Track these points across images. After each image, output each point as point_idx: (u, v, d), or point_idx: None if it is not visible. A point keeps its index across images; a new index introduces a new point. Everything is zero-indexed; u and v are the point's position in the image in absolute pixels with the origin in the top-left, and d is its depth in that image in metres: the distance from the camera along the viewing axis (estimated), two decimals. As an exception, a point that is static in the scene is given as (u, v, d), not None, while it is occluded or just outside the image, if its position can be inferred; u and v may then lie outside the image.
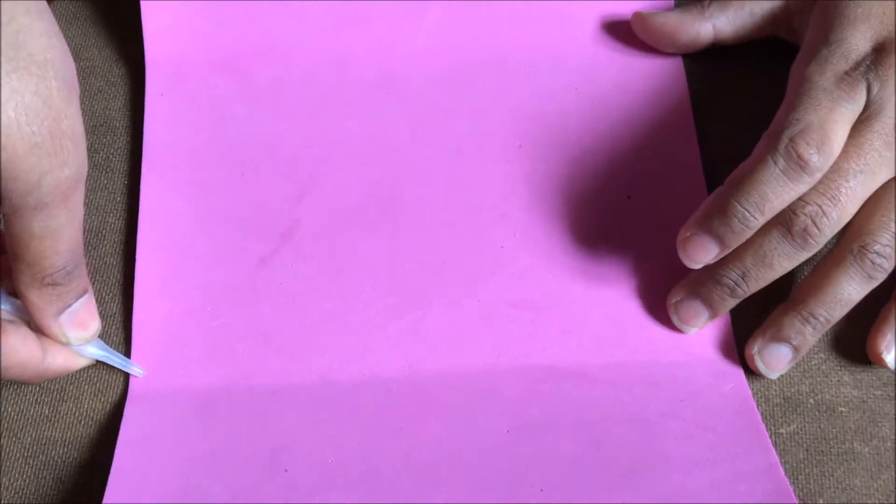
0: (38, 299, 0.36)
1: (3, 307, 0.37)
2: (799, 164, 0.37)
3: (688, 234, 0.39)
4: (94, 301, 0.38)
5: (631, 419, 0.39)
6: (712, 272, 0.40)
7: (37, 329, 0.38)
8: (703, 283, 0.41)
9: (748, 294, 0.41)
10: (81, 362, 0.40)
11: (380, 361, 0.42)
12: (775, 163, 0.37)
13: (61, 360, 0.38)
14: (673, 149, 0.46)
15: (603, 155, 0.46)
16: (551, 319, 0.42)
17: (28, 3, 0.32)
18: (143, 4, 0.48)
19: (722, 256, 0.39)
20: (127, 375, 0.41)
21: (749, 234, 0.38)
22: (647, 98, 0.48)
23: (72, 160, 0.32)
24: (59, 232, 0.34)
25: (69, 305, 0.37)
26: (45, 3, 0.33)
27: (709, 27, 0.47)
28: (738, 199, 0.38)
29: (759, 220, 0.38)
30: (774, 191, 0.37)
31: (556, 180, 0.46)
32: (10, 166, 0.31)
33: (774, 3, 0.47)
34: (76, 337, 0.38)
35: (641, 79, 0.48)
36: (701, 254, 0.39)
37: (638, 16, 0.49)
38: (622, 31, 0.50)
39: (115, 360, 0.41)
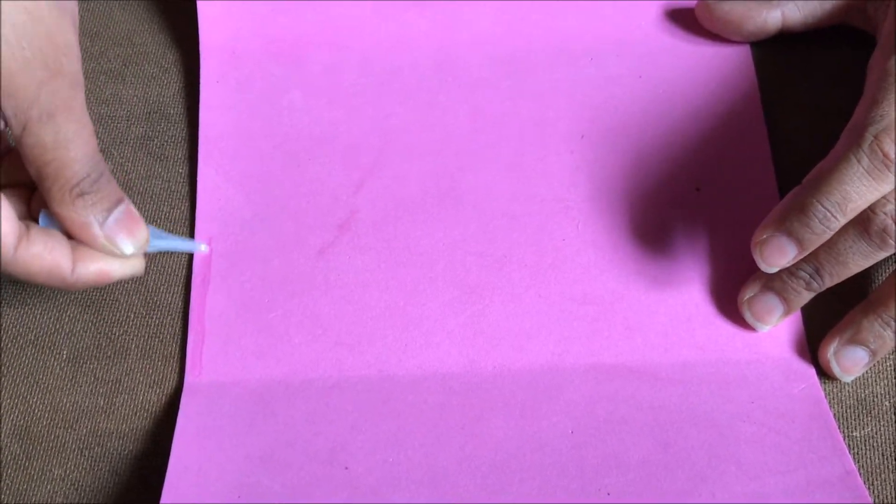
0: (72, 213, 0.36)
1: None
2: (884, 163, 0.36)
3: (764, 235, 0.38)
4: (133, 207, 0.38)
5: (700, 421, 0.38)
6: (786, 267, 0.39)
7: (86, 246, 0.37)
8: (777, 277, 0.39)
9: (823, 289, 0.39)
10: (116, 273, 0.38)
11: (440, 356, 0.41)
12: (859, 161, 0.36)
13: (94, 270, 0.37)
14: (741, 139, 0.45)
15: (669, 145, 0.45)
16: (615, 316, 0.41)
17: None
18: (199, 4, 0.47)
19: (799, 259, 0.38)
20: (182, 367, 0.41)
21: (829, 235, 0.37)
22: (714, 86, 0.46)
23: (66, 71, 0.33)
24: (70, 141, 0.34)
25: (107, 216, 0.36)
26: None
27: (777, 15, 0.46)
28: (819, 199, 0.36)
29: (840, 221, 0.36)
30: (857, 190, 0.36)
31: (620, 170, 0.44)
32: (7, 82, 0.32)
33: None
34: (128, 245, 0.37)
35: (707, 67, 0.47)
36: (778, 256, 0.38)
37: (703, 4, 0.47)
38: (687, 18, 0.48)
39: (178, 244, 0.41)
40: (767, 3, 0.46)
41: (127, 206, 0.37)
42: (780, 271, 0.39)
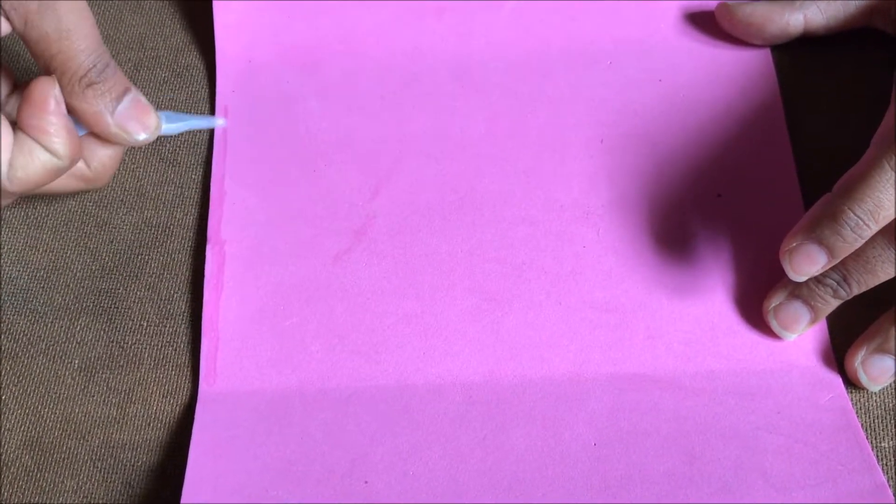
0: (83, 103, 0.36)
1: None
2: None
3: (794, 244, 0.37)
4: (141, 96, 0.38)
5: (725, 432, 0.37)
6: None
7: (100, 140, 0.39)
8: (804, 285, 0.39)
9: (850, 296, 0.38)
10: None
11: (459, 365, 0.40)
12: (892, 168, 0.35)
13: (105, 155, 0.39)
14: (763, 143, 0.44)
15: (690, 150, 0.44)
16: (637, 324, 0.40)
17: None
18: (215, 9, 0.47)
19: (828, 268, 0.37)
20: (195, 377, 0.40)
21: (860, 243, 0.36)
22: (735, 90, 0.46)
23: None
24: (73, 31, 0.35)
25: (116, 104, 0.37)
26: None
27: (799, 18, 0.45)
28: (851, 207, 0.36)
29: (871, 230, 0.36)
30: (890, 198, 0.35)
31: (640, 176, 0.44)
32: None
33: None
34: (139, 132, 0.38)
35: (728, 70, 0.46)
36: (807, 264, 0.37)
37: (723, 6, 0.46)
38: (707, 21, 0.48)
39: (195, 122, 0.41)
40: (789, 6, 0.45)
41: (134, 95, 0.38)
42: (808, 279, 0.38)
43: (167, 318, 0.42)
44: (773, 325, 0.39)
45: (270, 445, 0.38)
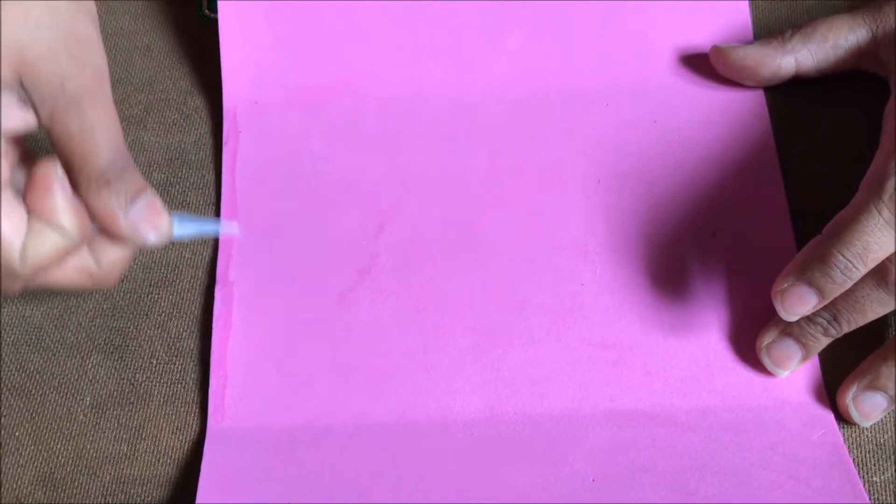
0: (98, 201, 0.36)
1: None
2: None
3: (785, 284, 0.38)
4: (157, 198, 0.37)
5: (721, 468, 0.38)
6: None
7: (110, 237, 0.37)
8: (795, 323, 0.40)
9: (840, 335, 0.39)
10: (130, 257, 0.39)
11: (460, 402, 0.41)
12: (879, 212, 0.36)
13: (114, 257, 0.38)
14: (757, 183, 0.45)
15: (685, 190, 0.45)
16: (635, 361, 0.41)
17: None
18: (222, 42, 0.48)
19: (819, 308, 0.38)
20: (204, 413, 0.41)
21: (850, 285, 0.37)
22: (729, 131, 0.47)
23: (89, 61, 0.35)
24: (96, 129, 0.35)
25: (130, 205, 0.36)
26: None
27: (790, 61, 0.46)
28: (840, 250, 0.37)
29: (860, 272, 0.37)
30: (878, 241, 0.36)
31: (636, 215, 0.45)
32: (31, 71, 0.33)
33: (860, 35, 0.45)
34: (150, 234, 0.37)
35: (722, 111, 0.47)
36: (798, 305, 0.38)
37: (717, 50, 0.48)
38: (701, 63, 0.49)
39: (207, 227, 0.40)
40: (781, 49, 0.46)
41: (150, 196, 0.37)
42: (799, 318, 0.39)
43: (176, 356, 0.43)
44: (766, 362, 0.40)
45: (277, 481, 0.39)
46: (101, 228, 0.37)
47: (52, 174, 0.35)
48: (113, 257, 0.38)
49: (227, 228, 0.43)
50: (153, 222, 0.37)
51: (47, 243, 0.35)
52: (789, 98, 0.48)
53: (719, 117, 0.47)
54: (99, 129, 0.35)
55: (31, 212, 0.35)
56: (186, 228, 0.38)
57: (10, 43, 0.33)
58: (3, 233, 0.34)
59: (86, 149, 0.35)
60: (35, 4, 0.34)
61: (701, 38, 0.49)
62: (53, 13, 0.34)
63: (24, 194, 0.35)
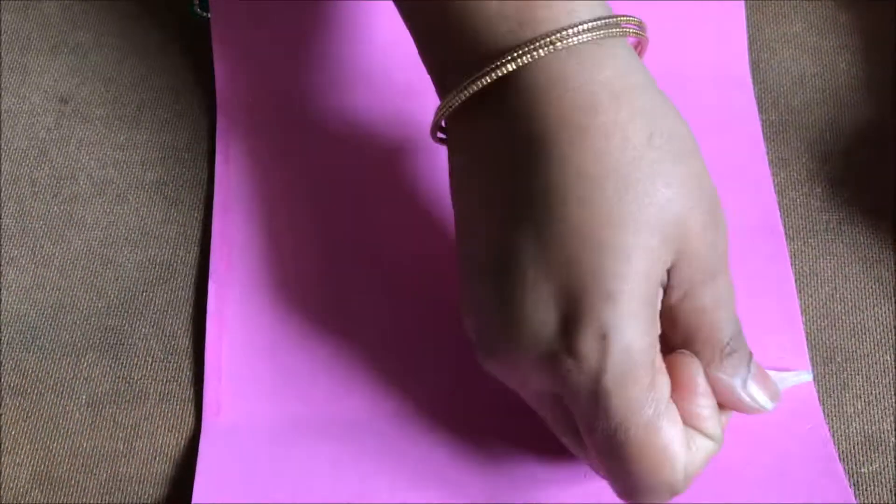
0: (721, 373, 0.34)
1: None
2: None
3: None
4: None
5: (707, 468, 0.39)
6: None
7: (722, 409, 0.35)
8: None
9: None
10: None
11: (461, 399, 0.41)
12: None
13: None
14: (747, 184, 0.45)
15: None
16: None
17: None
18: (214, 40, 0.48)
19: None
20: (200, 411, 0.41)
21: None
22: (719, 133, 0.46)
23: (722, 224, 0.33)
24: (725, 298, 0.33)
25: (747, 372, 0.34)
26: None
27: None
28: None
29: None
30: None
31: None
32: (688, 249, 0.31)
33: None
34: (766, 399, 0.35)
35: (713, 114, 0.47)
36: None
37: None
38: (694, 64, 0.48)
39: (789, 378, 0.39)
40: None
41: (755, 360, 0.35)
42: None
43: (172, 354, 0.43)
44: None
45: (273, 478, 0.39)
46: (718, 400, 0.34)
47: (696, 372, 0.33)
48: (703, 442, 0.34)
49: (806, 377, 0.41)
50: (767, 387, 0.35)
51: (700, 453, 0.33)
52: (782, 99, 0.48)
53: (710, 120, 0.47)
54: (728, 299, 0.33)
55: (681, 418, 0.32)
56: (779, 384, 0.37)
57: (668, 218, 0.30)
58: (675, 450, 0.32)
59: (714, 323, 0.33)
60: (685, 172, 0.31)
61: (695, 38, 0.49)
62: (698, 178, 0.32)
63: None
